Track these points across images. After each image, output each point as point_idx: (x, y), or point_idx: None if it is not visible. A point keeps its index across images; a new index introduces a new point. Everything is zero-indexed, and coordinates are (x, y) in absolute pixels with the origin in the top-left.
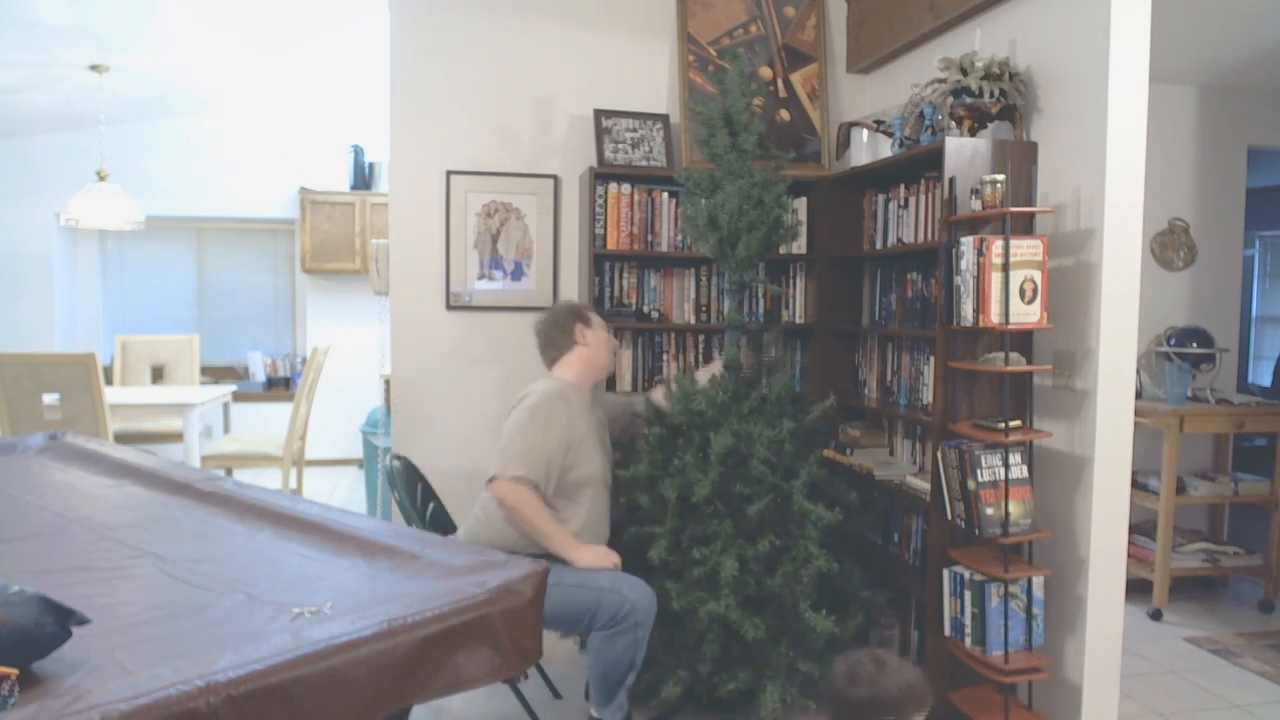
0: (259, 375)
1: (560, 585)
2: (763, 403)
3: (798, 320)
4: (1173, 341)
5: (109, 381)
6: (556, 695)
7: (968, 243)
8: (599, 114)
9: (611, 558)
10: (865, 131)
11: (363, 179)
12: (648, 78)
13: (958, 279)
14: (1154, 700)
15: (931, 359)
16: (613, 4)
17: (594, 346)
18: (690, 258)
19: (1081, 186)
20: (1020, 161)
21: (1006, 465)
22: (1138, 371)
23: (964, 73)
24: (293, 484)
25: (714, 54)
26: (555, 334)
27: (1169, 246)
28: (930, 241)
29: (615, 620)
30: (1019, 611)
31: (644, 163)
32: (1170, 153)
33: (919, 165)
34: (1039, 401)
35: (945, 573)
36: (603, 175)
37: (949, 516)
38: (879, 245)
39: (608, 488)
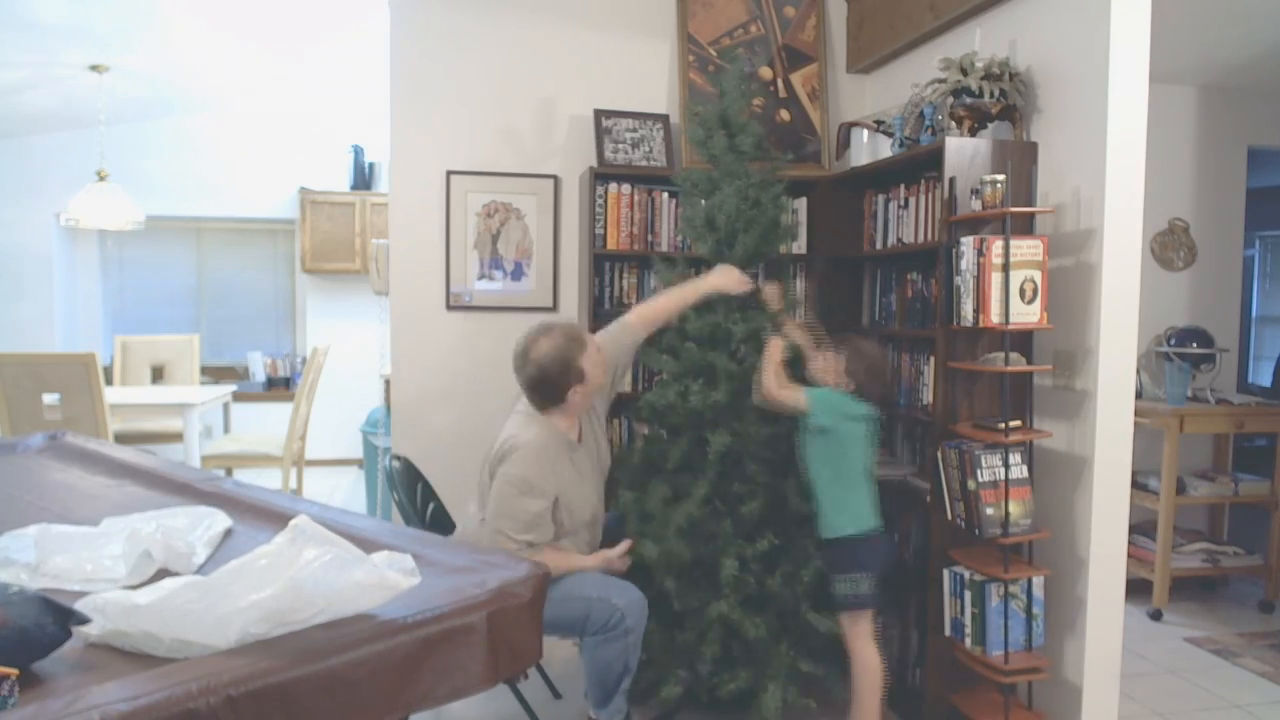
0: (259, 375)
1: (549, 599)
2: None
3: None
4: (1173, 341)
5: (109, 381)
6: (556, 695)
7: (968, 243)
8: (599, 114)
9: (614, 559)
10: (865, 131)
11: (363, 179)
12: (648, 78)
13: (958, 279)
14: (1154, 700)
15: (931, 359)
16: (613, 4)
17: (588, 387)
18: (690, 258)
19: (1081, 186)
20: (1020, 161)
21: (1006, 465)
22: (1138, 371)
23: (964, 73)
24: (293, 484)
25: (714, 54)
26: (546, 389)
27: (1169, 246)
28: (930, 241)
29: (606, 627)
30: (1019, 611)
31: (644, 163)
32: (1170, 153)
33: (919, 165)
34: (1039, 401)
35: (945, 573)
36: (603, 175)
37: (949, 516)
38: (879, 245)
39: (598, 524)
